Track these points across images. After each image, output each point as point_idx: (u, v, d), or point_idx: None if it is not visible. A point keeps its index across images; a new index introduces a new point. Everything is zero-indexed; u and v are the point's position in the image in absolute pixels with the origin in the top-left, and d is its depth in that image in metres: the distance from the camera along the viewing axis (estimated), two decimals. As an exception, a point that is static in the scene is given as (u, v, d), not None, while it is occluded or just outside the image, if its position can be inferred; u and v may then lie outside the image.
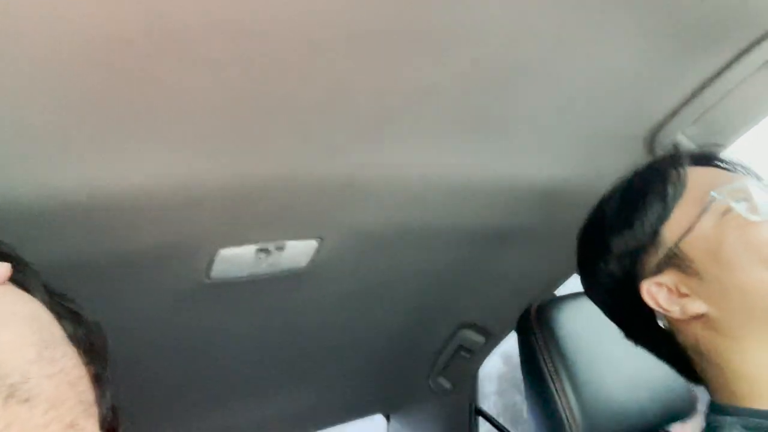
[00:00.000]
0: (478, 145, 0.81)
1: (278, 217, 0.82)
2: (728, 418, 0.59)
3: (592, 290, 0.72)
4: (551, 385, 0.79)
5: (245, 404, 1.34)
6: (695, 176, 0.64)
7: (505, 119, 0.77)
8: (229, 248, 0.83)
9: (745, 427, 0.57)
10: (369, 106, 0.65)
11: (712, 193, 0.61)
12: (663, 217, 0.63)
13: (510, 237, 1.09)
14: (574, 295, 0.94)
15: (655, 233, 0.63)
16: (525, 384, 0.85)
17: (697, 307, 0.60)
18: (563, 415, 0.77)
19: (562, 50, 0.65)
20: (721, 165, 0.68)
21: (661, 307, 0.62)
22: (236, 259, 0.86)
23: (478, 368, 1.53)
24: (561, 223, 1.04)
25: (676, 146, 0.73)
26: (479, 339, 1.38)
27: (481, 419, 1.66)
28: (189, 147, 0.60)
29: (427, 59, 0.60)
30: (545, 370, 0.81)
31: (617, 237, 0.65)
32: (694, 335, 0.62)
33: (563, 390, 0.79)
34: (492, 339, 1.38)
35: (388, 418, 1.84)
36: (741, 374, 0.59)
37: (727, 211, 0.60)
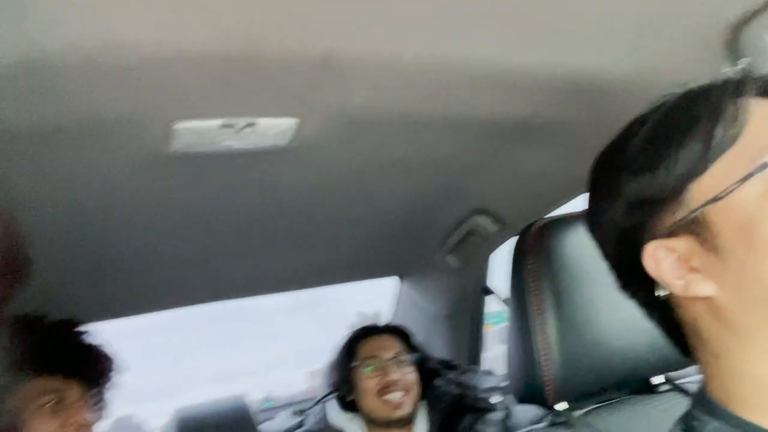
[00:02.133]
0: (501, 24, 0.63)
1: (244, 92, 0.70)
2: (714, 423, 0.48)
3: (593, 231, 0.56)
4: (532, 317, 0.70)
5: (244, 261, 1.33)
6: (760, 116, 0.46)
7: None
8: (188, 121, 0.73)
9: None
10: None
11: None
12: (696, 171, 0.46)
13: (534, 131, 0.92)
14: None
15: (680, 187, 0.47)
16: (509, 309, 0.76)
17: (704, 288, 0.47)
18: (537, 356, 0.69)
19: None
20: None
21: (662, 276, 0.48)
22: (199, 132, 0.75)
23: (489, 254, 1.45)
24: (597, 121, 0.87)
25: (744, 71, 0.49)
26: (492, 226, 1.28)
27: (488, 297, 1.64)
28: (151, 3, 0.51)
29: None
30: (529, 298, 0.70)
31: (632, 180, 0.49)
32: (693, 316, 0.49)
33: (543, 326, 0.69)
34: (506, 229, 1.27)
35: (401, 279, 1.85)
36: (743, 375, 0.47)
37: None
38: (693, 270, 0.47)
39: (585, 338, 0.70)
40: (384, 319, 1.94)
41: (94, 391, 1.06)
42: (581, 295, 0.72)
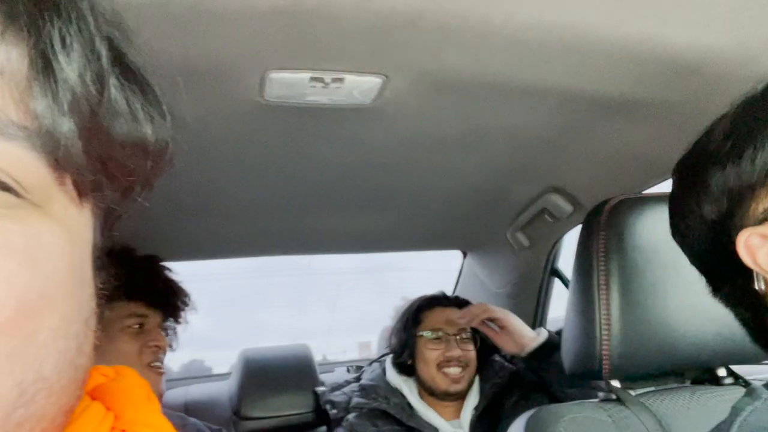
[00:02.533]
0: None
1: (335, 48, 0.74)
2: None
3: (679, 231, 0.56)
4: (596, 293, 0.70)
5: (318, 217, 1.39)
6: None
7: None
8: (281, 71, 0.77)
9: None
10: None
11: None
12: None
13: (619, 106, 0.90)
14: (665, 197, 0.78)
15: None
16: (571, 283, 0.76)
17: None
18: (597, 332, 0.69)
19: None
20: None
21: (758, 265, 0.47)
22: (289, 83, 0.80)
23: (562, 235, 1.43)
24: (688, 103, 0.84)
25: None
26: (566, 206, 1.26)
27: (556, 280, 1.62)
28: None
29: None
30: (595, 275, 0.70)
31: (718, 172, 0.49)
32: None
33: (607, 302, 0.69)
34: (581, 210, 1.25)
35: (464, 254, 1.86)
36: None
37: None
38: None
39: (649, 319, 0.69)
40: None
41: (171, 321, 1.16)
42: (650, 276, 0.71)
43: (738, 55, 0.71)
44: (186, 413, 1.42)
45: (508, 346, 1.30)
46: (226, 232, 1.43)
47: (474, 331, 1.37)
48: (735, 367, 0.82)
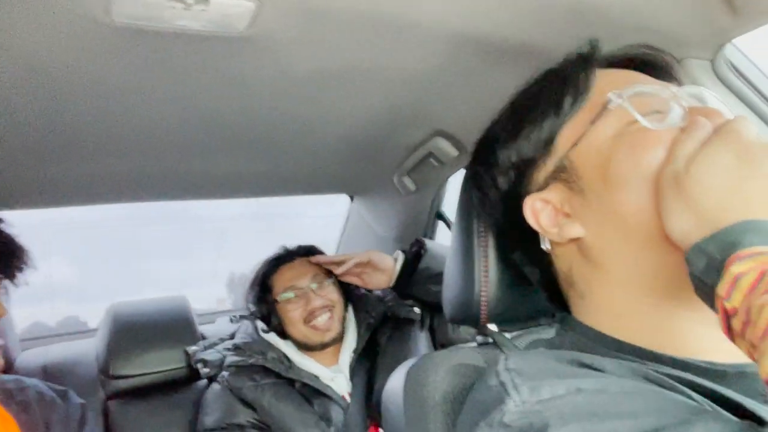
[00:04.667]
0: None
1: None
2: (570, 334, 0.54)
3: (479, 199, 0.64)
4: (474, 239, 0.69)
5: (190, 159, 1.27)
6: (606, 79, 0.54)
7: None
8: (131, -14, 0.66)
9: (576, 344, 0.52)
10: None
11: (609, 94, 0.51)
12: (555, 129, 0.53)
13: (508, 51, 0.88)
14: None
15: (545, 144, 0.54)
16: (452, 230, 0.75)
17: (574, 230, 0.52)
18: (476, 277, 0.68)
19: None
20: (654, 71, 0.57)
21: (540, 226, 0.54)
22: (142, 1, 0.68)
23: (446, 178, 1.44)
24: (576, 48, 0.84)
25: (591, 43, 0.57)
26: (452, 150, 1.26)
27: (440, 223, 1.65)
28: None
29: None
30: (475, 221, 0.69)
31: (503, 149, 0.57)
32: (569, 262, 0.55)
33: (485, 248, 0.68)
34: (466, 154, 1.25)
35: (351, 199, 1.83)
36: (600, 307, 0.52)
37: (633, 121, 0.49)
38: (566, 216, 0.53)
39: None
40: (333, 241, 1.94)
41: (5, 282, 1.03)
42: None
43: (635, 6, 0.71)
44: (45, 376, 1.29)
45: (378, 282, 1.33)
46: (85, 176, 1.26)
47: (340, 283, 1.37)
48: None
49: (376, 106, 1.14)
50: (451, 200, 1.59)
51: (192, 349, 1.37)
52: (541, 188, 0.55)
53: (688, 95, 0.51)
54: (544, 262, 0.58)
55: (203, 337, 1.45)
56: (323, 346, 1.31)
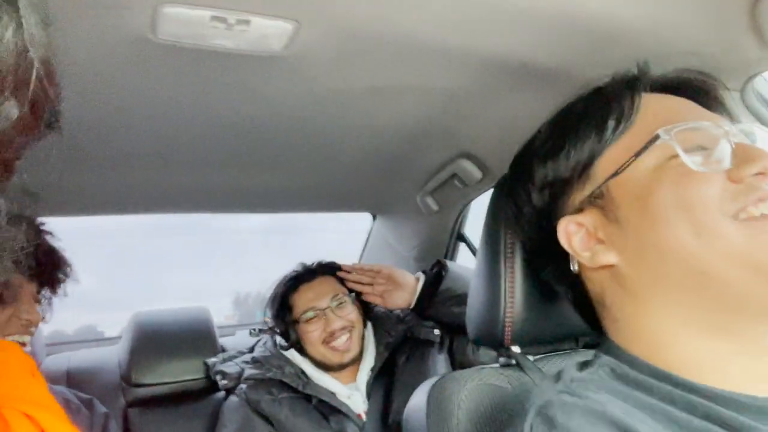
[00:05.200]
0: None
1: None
2: (604, 357, 0.53)
3: (514, 215, 0.63)
4: (501, 262, 0.69)
5: (219, 173, 1.30)
6: (654, 106, 0.53)
7: None
8: (177, 6, 0.69)
9: (614, 370, 0.51)
10: None
11: (659, 131, 0.50)
12: (596, 153, 0.53)
13: (537, 74, 0.90)
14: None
15: (584, 168, 0.54)
16: (478, 250, 0.75)
17: (607, 257, 0.52)
18: (502, 299, 0.69)
19: None
20: (704, 99, 0.55)
21: (573, 249, 0.54)
22: (186, 21, 0.71)
23: (470, 200, 1.45)
24: (604, 71, 0.84)
25: (640, 65, 0.57)
26: (476, 173, 1.27)
27: (462, 245, 1.65)
28: None
29: None
30: (502, 243, 0.70)
31: (541, 167, 0.57)
32: (600, 286, 0.54)
33: (512, 271, 0.69)
34: (490, 177, 1.26)
35: (374, 217, 1.85)
36: (635, 333, 0.52)
37: (675, 155, 0.49)
38: (599, 241, 0.53)
39: (550, 287, 0.71)
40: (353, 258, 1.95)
41: (47, 291, 1.06)
42: (554, 245, 0.72)
43: (653, 29, 0.72)
44: (68, 381, 1.31)
45: (398, 301, 1.33)
46: (114, 186, 1.30)
47: (357, 295, 1.36)
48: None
49: (403, 126, 1.15)
50: (472, 222, 1.60)
51: (211, 360, 1.38)
52: (576, 211, 0.54)
53: (738, 131, 0.51)
54: (575, 282, 0.57)
55: (223, 350, 1.47)
56: (341, 367, 1.31)
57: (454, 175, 1.32)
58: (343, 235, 2.55)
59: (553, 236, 0.55)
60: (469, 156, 1.24)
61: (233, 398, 1.29)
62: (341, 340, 1.28)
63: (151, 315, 1.47)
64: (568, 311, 0.74)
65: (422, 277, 1.33)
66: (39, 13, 0.28)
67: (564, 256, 0.56)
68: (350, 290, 1.36)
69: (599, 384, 0.49)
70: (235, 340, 1.59)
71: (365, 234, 1.93)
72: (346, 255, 1.99)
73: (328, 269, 1.38)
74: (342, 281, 1.37)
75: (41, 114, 0.28)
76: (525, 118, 1.05)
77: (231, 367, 1.35)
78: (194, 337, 1.44)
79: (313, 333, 1.29)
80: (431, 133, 1.19)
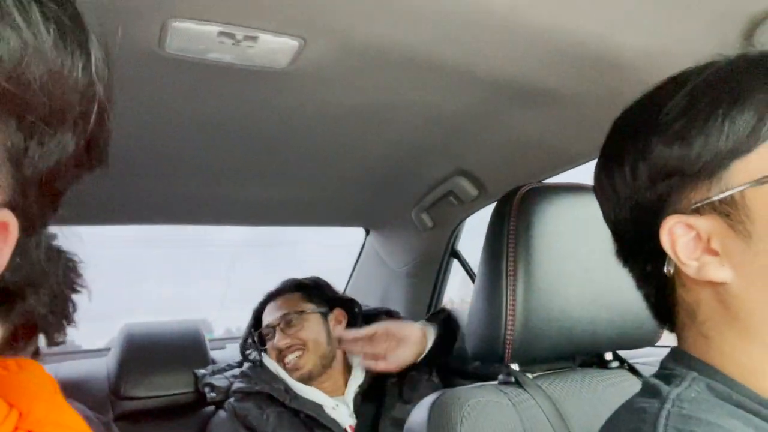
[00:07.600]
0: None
1: (250, 1, 0.67)
2: (693, 373, 0.46)
3: (603, 193, 0.51)
4: (503, 279, 0.70)
5: (215, 185, 1.30)
6: None
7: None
8: (185, 21, 0.69)
9: (710, 388, 0.44)
10: None
11: None
12: (742, 148, 0.41)
13: (535, 95, 0.91)
14: (574, 188, 0.80)
15: (720, 163, 0.42)
16: (479, 267, 0.76)
17: (719, 273, 0.43)
18: (503, 316, 0.70)
19: None
20: None
21: (676, 255, 0.45)
22: (194, 36, 0.72)
23: (465, 217, 1.46)
24: (601, 97, 0.86)
25: None
26: (472, 190, 1.28)
27: (455, 261, 1.66)
28: None
29: None
30: (504, 261, 0.71)
31: (662, 147, 0.44)
32: (696, 298, 0.46)
33: (514, 288, 0.70)
34: (485, 194, 1.28)
35: (367, 232, 1.85)
36: (729, 359, 0.45)
37: None
38: (711, 252, 0.44)
39: (550, 306, 0.71)
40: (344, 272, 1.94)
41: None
42: (554, 265, 0.73)
43: (653, 54, 0.74)
44: (56, 393, 1.29)
45: (404, 359, 1.20)
46: (113, 196, 1.29)
47: (320, 301, 1.34)
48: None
49: (401, 142, 1.16)
50: (465, 240, 1.61)
51: (200, 372, 1.37)
52: (691, 211, 0.44)
53: None
54: (663, 283, 0.49)
55: (214, 363, 1.45)
56: (309, 380, 1.29)
57: (450, 192, 1.33)
58: (330, 248, 2.53)
59: (652, 231, 0.46)
60: (465, 173, 1.25)
61: (222, 413, 1.28)
62: (290, 358, 1.29)
63: (141, 327, 1.46)
64: (567, 330, 0.75)
65: (431, 331, 1.24)
66: (104, 49, 0.28)
67: (658, 255, 0.47)
68: (330, 307, 1.34)
69: (709, 404, 0.43)
70: (226, 354, 1.57)
71: (351, 246, 1.93)
72: (336, 267, 1.98)
73: (298, 286, 1.37)
74: (311, 297, 1.35)
75: (95, 149, 0.29)
76: (523, 139, 1.08)
77: (220, 381, 1.34)
78: (185, 350, 1.42)
79: (270, 350, 1.31)
80: (429, 150, 1.20)
